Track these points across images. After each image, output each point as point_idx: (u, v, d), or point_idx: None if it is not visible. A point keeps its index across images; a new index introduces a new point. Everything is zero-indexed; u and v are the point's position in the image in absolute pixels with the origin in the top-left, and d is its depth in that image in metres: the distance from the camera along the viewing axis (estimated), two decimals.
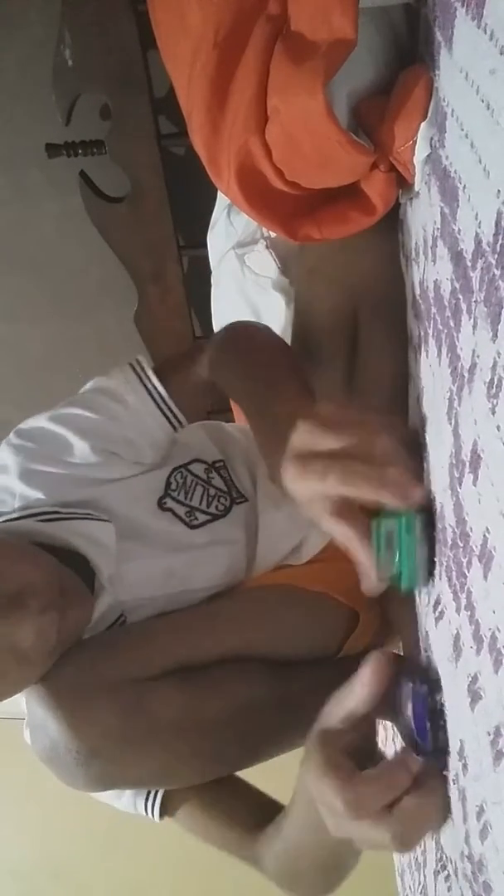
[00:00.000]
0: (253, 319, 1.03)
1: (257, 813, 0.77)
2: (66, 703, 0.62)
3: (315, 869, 0.71)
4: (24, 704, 0.72)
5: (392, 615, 0.84)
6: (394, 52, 0.59)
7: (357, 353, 0.85)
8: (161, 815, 0.79)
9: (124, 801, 0.79)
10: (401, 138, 0.54)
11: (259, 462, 0.91)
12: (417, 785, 0.48)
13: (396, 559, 0.51)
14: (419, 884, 0.88)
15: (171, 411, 0.80)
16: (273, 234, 1.01)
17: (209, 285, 1.26)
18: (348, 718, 0.50)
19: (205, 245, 1.25)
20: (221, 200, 1.19)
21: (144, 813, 0.78)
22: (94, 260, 1.60)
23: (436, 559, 0.51)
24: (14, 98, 1.50)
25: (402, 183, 0.59)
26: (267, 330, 0.83)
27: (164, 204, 1.42)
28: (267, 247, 1.03)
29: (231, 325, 0.85)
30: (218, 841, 0.79)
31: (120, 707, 0.63)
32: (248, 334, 0.83)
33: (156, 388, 0.80)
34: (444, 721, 0.49)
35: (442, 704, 0.50)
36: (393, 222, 0.72)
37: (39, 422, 0.78)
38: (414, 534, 0.51)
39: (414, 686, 0.52)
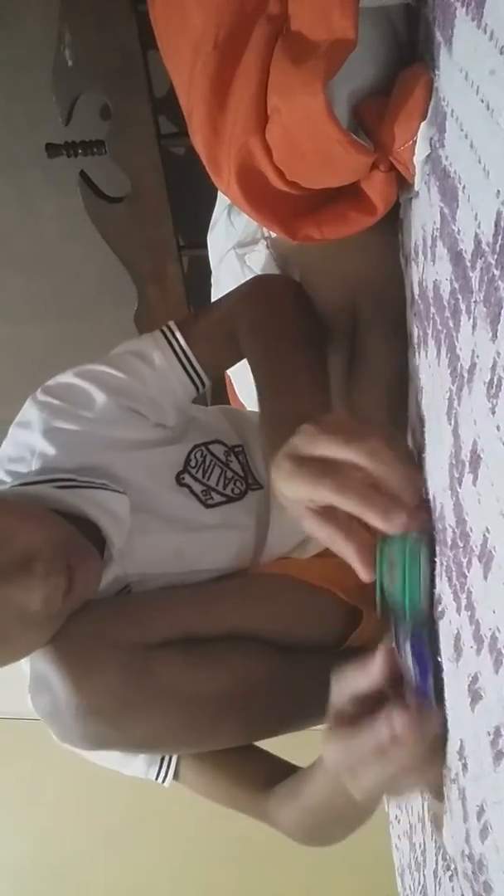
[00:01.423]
0: None
1: (268, 771, 0.78)
2: (72, 659, 0.63)
3: (336, 823, 0.75)
4: (25, 666, 0.72)
5: None
6: (394, 51, 0.59)
7: (356, 354, 0.86)
8: (174, 778, 0.79)
9: (135, 766, 0.78)
10: (401, 138, 0.54)
11: None
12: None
13: (399, 585, 0.51)
14: (419, 884, 0.88)
15: (196, 372, 0.81)
16: (273, 235, 1.01)
17: (209, 285, 1.26)
18: (357, 698, 0.52)
19: (205, 245, 1.25)
20: (222, 200, 1.19)
21: (155, 778, 0.78)
22: (94, 260, 1.60)
23: (436, 590, 0.50)
24: (14, 98, 1.50)
25: (402, 183, 0.59)
26: (295, 297, 0.83)
27: (164, 204, 1.42)
28: (267, 247, 1.03)
29: (259, 282, 0.85)
30: (227, 799, 0.80)
31: (124, 667, 0.64)
32: (276, 302, 0.83)
33: (182, 350, 0.81)
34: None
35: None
36: (393, 222, 0.72)
37: (66, 377, 0.79)
38: (418, 560, 0.50)
39: (414, 630, 0.51)
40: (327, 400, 0.69)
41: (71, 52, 1.28)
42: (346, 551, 0.51)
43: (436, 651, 0.50)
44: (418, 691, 0.50)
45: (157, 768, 0.78)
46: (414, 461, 0.54)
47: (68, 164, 1.43)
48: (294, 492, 0.51)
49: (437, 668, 0.49)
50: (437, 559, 0.49)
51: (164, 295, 1.54)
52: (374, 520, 0.48)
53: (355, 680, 0.52)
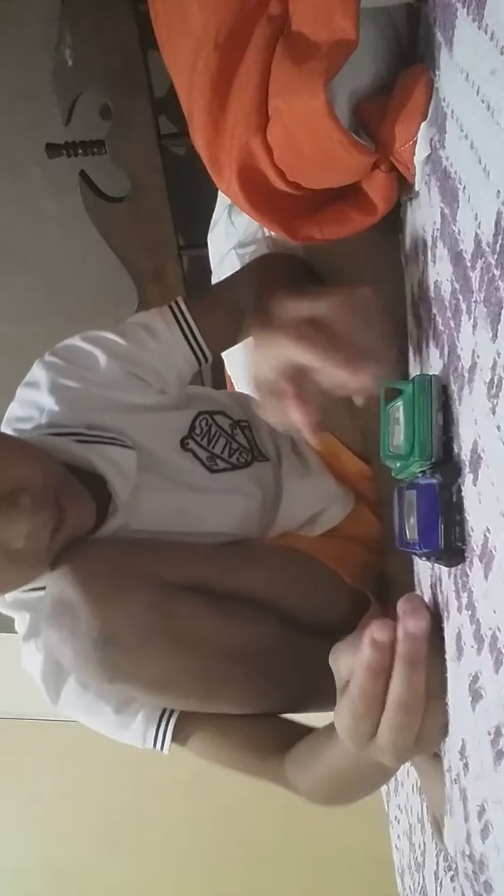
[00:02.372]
0: None
1: (278, 733, 0.75)
2: (99, 584, 0.63)
3: (361, 786, 0.70)
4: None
5: (389, 569, 0.83)
6: (395, 52, 0.59)
7: None
8: (172, 742, 0.75)
9: (131, 732, 0.75)
10: (401, 138, 0.54)
11: (282, 434, 0.92)
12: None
13: (406, 430, 0.43)
14: (419, 884, 0.88)
15: (199, 344, 0.83)
16: (274, 234, 1.01)
17: (209, 285, 1.26)
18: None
19: (205, 245, 1.25)
20: (222, 200, 1.19)
21: (153, 744, 0.74)
22: (93, 259, 1.60)
23: (452, 434, 0.42)
24: (14, 98, 1.50)
25: (403, 183, 0.59)
26: (297, 266, 0.85)
27: (164, 204, 1.42)
28: (268, 247, 1.03)
29: (263, 255, 0.88)
30: (237, 763, 0.76)
31: (149, 601, 0.64)
32: (277, 268, 0.85)
33: (186, 322, 0.82)
34: (462, 515, 0.41)
35: (460, 496, 0.41)
36: (393, 222, 0.72)
37: (72, 340, 0.82)
38: (429, 396, 0.42)
39: (424, 476, 0.43)
40: None
41: (71, 52, 1.28)
42: (298, 414, 0.52)
43: (451, 493, 0.41)
44: (424, 535, 0.41)
45: (155, 732, 0.74)
46: (391, 316, 0.53)
47: (68, 163, 1.43)
48: (263, 354, 0.52)
49: (452, 515, 0.41)
50: (452, 404, 0.42)
51: (164, 295, 1.54)
52: (338, 369, 0.48)
53: (350, 651, 0.49)
